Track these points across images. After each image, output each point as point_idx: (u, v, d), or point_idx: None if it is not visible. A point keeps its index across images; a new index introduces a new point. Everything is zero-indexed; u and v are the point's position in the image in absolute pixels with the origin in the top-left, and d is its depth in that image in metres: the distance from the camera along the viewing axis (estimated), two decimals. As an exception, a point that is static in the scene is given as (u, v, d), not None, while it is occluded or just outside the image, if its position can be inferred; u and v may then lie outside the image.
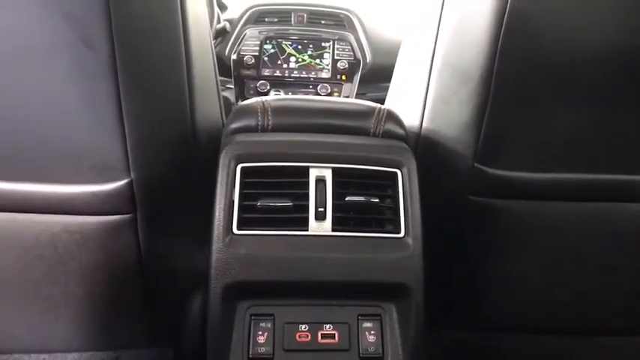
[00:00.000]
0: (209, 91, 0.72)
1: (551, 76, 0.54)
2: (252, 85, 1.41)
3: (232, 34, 1.45)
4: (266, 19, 1.48)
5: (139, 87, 0.54)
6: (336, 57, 1.43)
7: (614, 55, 0.55)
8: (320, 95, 1.40)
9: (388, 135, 0.60)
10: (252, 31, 1.45)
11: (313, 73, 1.43)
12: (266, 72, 1.42)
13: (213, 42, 1.28)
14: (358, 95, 1.44)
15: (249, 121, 0.60)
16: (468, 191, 0.64)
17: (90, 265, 0.60)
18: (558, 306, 0.68)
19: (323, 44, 1.45)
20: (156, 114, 0.58)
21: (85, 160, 0.55)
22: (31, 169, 0.56)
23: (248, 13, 1.48)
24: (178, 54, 0.59)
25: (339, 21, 1.49)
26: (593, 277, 0.68)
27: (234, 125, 0.60)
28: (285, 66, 1.43)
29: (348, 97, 1.43)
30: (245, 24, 1.47)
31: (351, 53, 1.44)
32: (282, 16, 1.49)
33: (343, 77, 1.42)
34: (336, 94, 1.42)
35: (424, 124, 0.66)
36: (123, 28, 0.50)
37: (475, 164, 0.61)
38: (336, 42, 1.45)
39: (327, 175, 0.56)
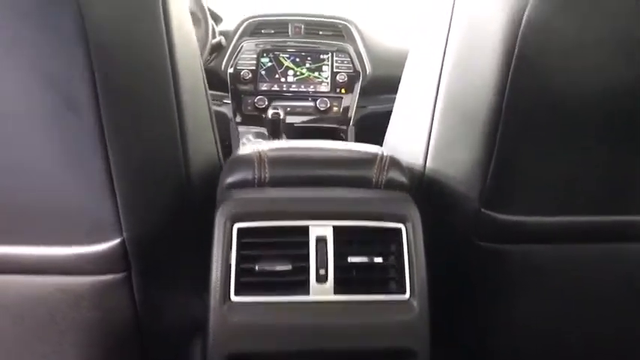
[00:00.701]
0: (203, 131, 0.70)
1: (558, 116, 0.52)
2: (249, 101, 1.38)
3: (228, 47, 1.42)
4: (262, 31, 1.45)
5: (127, 145, 0.51)
6: (335, 69, 1.40)
7: (624, 97, 0.52)
8: (319, 110, 1.37)
9: (391, 185, 0.58)
10: (248, 44, 1.42)
11: (312, 86, 1.40)
12: (264, 86, 1.39)
13: (209, 57, 1.25)
14: (358, 108, 1.40)
15: (246, 174, 0.57)
16: (474, 235, 0.61)
17: (84, 325, 0.58)
18: (568, 350, 0.66)
19: (321, 56, 1.41)
20: (147, 171, 0.55)
21: (75, 222, 0.53)
22: (21, 231, 0.54)
23: (244, 24, 1.44)
24: (169, 103, 0.57)
25: (338, 31, 1.45)
26: (605, 321, 0.66)
27: (230, 179, 0.58)
28: (283, 80, 1.40)
29: (348, 108, 1.39)
30: (241, 36, 1.43)
31: (350, 65, 1.40)
32: (279, 27, 1.45)
33: (343, 90, 1.39)
34: (335, 107, 1.39)
35: (428, 164, 0.64)
36: (108, 88, 0.47)
37: (482, 208, 0.59)
38: (334, 54, 1.41)
39: (328, 233, 0.53)
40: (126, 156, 0.51)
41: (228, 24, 1.48)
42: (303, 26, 1.45)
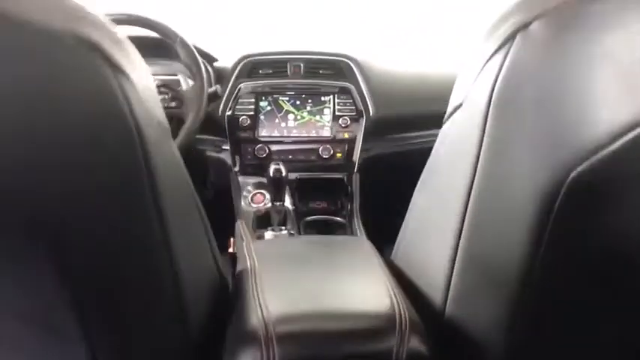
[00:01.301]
0: (201, 271, 0.63)
1: (602, 276, 0.46)
2: (249, 149, 1.33)
3: (225, 89, 1.36)
4: (260, 71, 1.38)
5: (114, 334, 0.46)
6: (337, 113, 1.34)
7: None
8: (322, 158, 1.32)
9: (412, 357, 0.52)
10: (246, 86, 1.35)
11: (314, 131, 1.34)
12: (263, 132, 1.34)
13: (206, 105, 1.18)
14: (363, 151, 1.35)
15: (252, 356, 0.51)
16: None
17: None
18: None
19: (322, 98, 1.36)
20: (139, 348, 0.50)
21: None
22: None
23: (240, 64, 1.38)
24: (160, 265, 0.50)
25: (339, 70, 1.39)
26: None
27: None
28: (283, 125, 1.34)
29: (352, 154, 1.34)
30: (238, 77, 1.37)
31: (353, 107, 1.34)
32: (278, 66, 1.39)
33: (345, 135, 1.34)
34: (339, 153, 1.33)
35: (447, 311, 0.58)
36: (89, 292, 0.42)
37: None
38: (336, 95, 1.35)
39: None
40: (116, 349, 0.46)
41: (223, 60, 1.42)
42: (302, 65, 1.39)
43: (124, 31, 0.47)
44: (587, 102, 0.39)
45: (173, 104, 1.12)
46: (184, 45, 1.14)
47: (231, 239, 1.53)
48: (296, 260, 0.67)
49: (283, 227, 1.11)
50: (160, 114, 0.47)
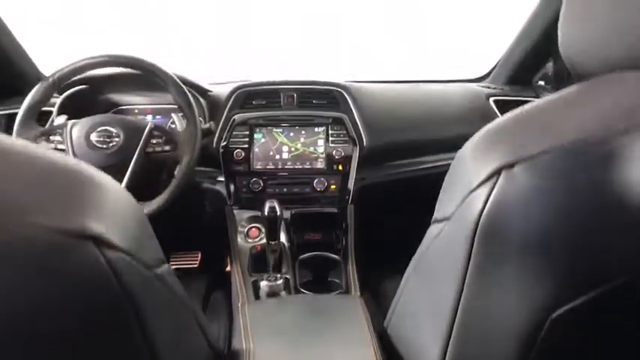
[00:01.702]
0: None
1: None
2: (244, 182, 1.34)
3: (219, 121, 1.36)
4: (254, 102, 1.38)
5: None
6: (330, 144, 1.35)
7: None
8: (317, 190, 1.33)
9: None
10: (240, 117, 1.36)
11: (308, 163, 1.35)
12: (258, 165, 1.34)
13: (200, 146, 1.18)
14: (357, 180, 1.36)
15: None
16: None
17: None
18: None
19: (316, 129, 1.36)
20: None
21: None
22: None
23: (234, 95, 1.38)
24: None
25: (332, 99, 1.39)
26: None
27: None
28: (277, 157, 1.35)
29: (346, 185, 1.35)
30: (232, 108, 1.37)
31: (347, 138, 1.35)
32: (271, 97, 1.39)
33: (339, 167, 1.35)
34: (333, 186, 1.34)
35: None
36: None
37: None
38: (329, 126, 1.36)
39: None
40: None
41: (217, 88, 1.42)
42: (295, 95, 1.39)
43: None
44: (567, 250, 0.40)
45: (167, 147, 1.12)
46: (176, 86, 1.14)
47: (227, 258, 1.55)
48: (289, 337, 0.69)
49: (279, 274, 1.12)
50: (152, 246, 0.48)
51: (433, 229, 0.58)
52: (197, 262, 1.82)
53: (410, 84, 1.62)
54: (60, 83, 1.13)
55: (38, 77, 1.48)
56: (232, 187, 1.34)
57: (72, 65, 1.12)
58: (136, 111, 1.46)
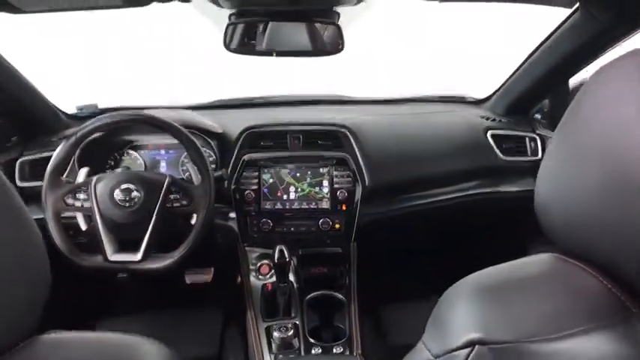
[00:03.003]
0: None
1: None
2: (254, 222, 1.43)
3: (230, 160, 1.44)
4: (262, 143, 1.46)
5: None
6: (335, 185, 1.43)
7: None
8: (322, 230, 1.42)
9: None
10: (249, 158, 1.44)
11: (313, 203, 1.44)
12: (267, 205, 1.43)
13: (214, 200, 1.27)
14: (361, 217, 1.45)
15: None
16: None
17: None
18: None
19: (321, 170, 1.44)
20: None
21: None
22: None
23: (243, 136, 1.46)
24: None
25: (336, 139, 1.46)
26: None
27: None
28: (285, 197, 1.43)
29: (350, 224, 1.44)
30: (242, 148, 1.45)
31: (350, 179, 1.43)
32: (278, 138, 1.47)
33: (343, 207, 1.43)
34: (337, 224, 1.43)
35: None
36: None
37: None
38: (333, 167, 1.43)
39: None
40: None
41: (228, 130, 1.50)
42: (301, 137, 1.46)
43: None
44: None
45: (185, 202, 1.21)
46: (190, 143, 1.22)
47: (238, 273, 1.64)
48: None
49: (289, 322, 1.23)
50: None
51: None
52: (210, 276, 1.94)
53: (412, 115, 1.68)
54: (82, 140, 1.21)
55: (56, 115, 1.56)
56: (244, 227, 1.43)
57: (93, 124, 1.19)
58: (150, 146, 1.53)
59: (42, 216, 1.16)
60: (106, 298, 1.73)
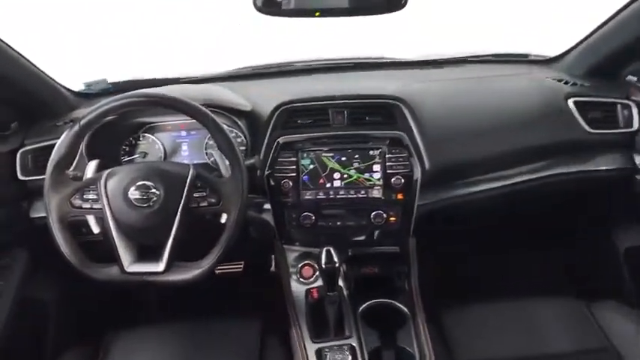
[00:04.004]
0: None
1: None
2: (293, 216, 1.22)
3: (262, 144, 1.22)
4: (298, 121, 1.23)
5: None
6: (388, 170, 1.19)
7: None
8: (374, 224, 1.20)
9: None
10: (284, 140, 1.21)
11: (363, 192, 1.21)
12: (307, 196, 1.21)
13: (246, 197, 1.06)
14: (420, 206, 1.22)
15: None
16: None
17: None
18: None
19: (371, 153, 1.20)
20: None
21: None
22: None
23: (277, 114, 1.22)
24: None
25: (389, 115, 1.22)
26: None
27: None
28: (328, 185, 1.21)
29: (408, 216, 1.21)
30: (274, 129, 1.22)
31: (407, 163, 1.19)
32: (318, 115, 1.23)
33: (399, 196, 1.20)
34: (392, 217, 1.21)
35: None
36: None
37: None
38: (387, 149, 1.19)
39: None
40: None
41: (258, 107, 1.27)
42: (346, 113, 1.22)
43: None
44: None
45: (213, 200, 1.00)
46: (218, 129, 1.00)
47: (272, 257, 1.48)
48: None
49: (345, 346, 1.03)
50: None
51: None
52: (241, 268, 1.77)
53: (472, 81, 1.41)
54: (86, 130, 1.00)
55: (60, 94, 1.35)
56: (281, 222, 1.22)
57: (98, 110, 0.98)
58: (169, 128, 1.32)
59: None
60: (118, 303, 1.55)
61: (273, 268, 1.48)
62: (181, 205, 0.97)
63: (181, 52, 2.20)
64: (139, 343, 1.18)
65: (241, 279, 1.72)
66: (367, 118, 1.22)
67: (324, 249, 1.06)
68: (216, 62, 1.67)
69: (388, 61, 1.58)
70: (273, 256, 1.48)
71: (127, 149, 1.31)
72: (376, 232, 1.21)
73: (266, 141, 1.21)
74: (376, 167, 1.20)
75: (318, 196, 1.21)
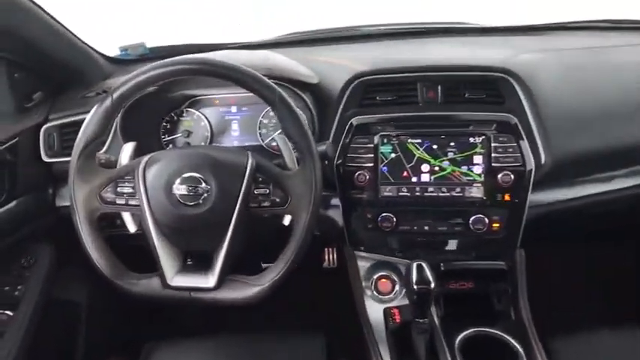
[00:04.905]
0: None
1: None
2: (369, 216, 0.98)
3: (331, 125, 0.98)
4: (378, 98, 0.98)
5: None
6: (493, 163, 0.93)
7: None
8: (472, 230, 0.95)
9: None
10: (359, 121, 0.97)
11: (459, 189, 0.95)
12: (387, 192, 0.97)
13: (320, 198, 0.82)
14: (531, 210, 0.95)
15: None
16: None
17: None
18: None
19: (472, 140, 0.95)
20: None
21: None
22: None
23: (351, 88, 0.98)
24: None
25: (494, 92, 0.95)
26: None
27: None
28: (414, 180, 0.96)
29: (517, 225, 0.95)
30: (347, 108, 0.98)
31: (518, 155, 0.93)
32: (403, 89, 0.98)
33: (506, 197, 0.94)
34: (495, 224, 0.95)
35: None
36: None
37: None
38: (492, 136, 0.94)
39: None
40: None
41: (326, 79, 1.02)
42: (440, 88, 0.97)
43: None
44: None
45: (277, 199, 0.78)
46: (288, 108, 0.77)
47: (326, 250, 1.28)
48: None
49: None
50: None
51: None
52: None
53: (585, 52, 1.11)
54: (120, 104, 0.79)
55: (91, 60, 1.14)
56: (352, 223, 0.99)
57: (136, 77, 0.76)
58: (217, 101, 1.11)
59: None
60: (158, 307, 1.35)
61: (326, 264, 1.27)
62: (238, 204, 0.76)
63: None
64: (183, 358, 0.99)
65: (292, 276, 1.52)
66: (467, 95, 0.96)
67: (415, 263, 0.83)
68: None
69: (475, 26, 1.29)
70: (326, 249, 1.27)
71: (168, 126, 1.10)
72: (474, 242, 0.96)
73: (336, 122, 0.98)
74: (477, 159, 0.94)
75: (401, 193, 0.97)
